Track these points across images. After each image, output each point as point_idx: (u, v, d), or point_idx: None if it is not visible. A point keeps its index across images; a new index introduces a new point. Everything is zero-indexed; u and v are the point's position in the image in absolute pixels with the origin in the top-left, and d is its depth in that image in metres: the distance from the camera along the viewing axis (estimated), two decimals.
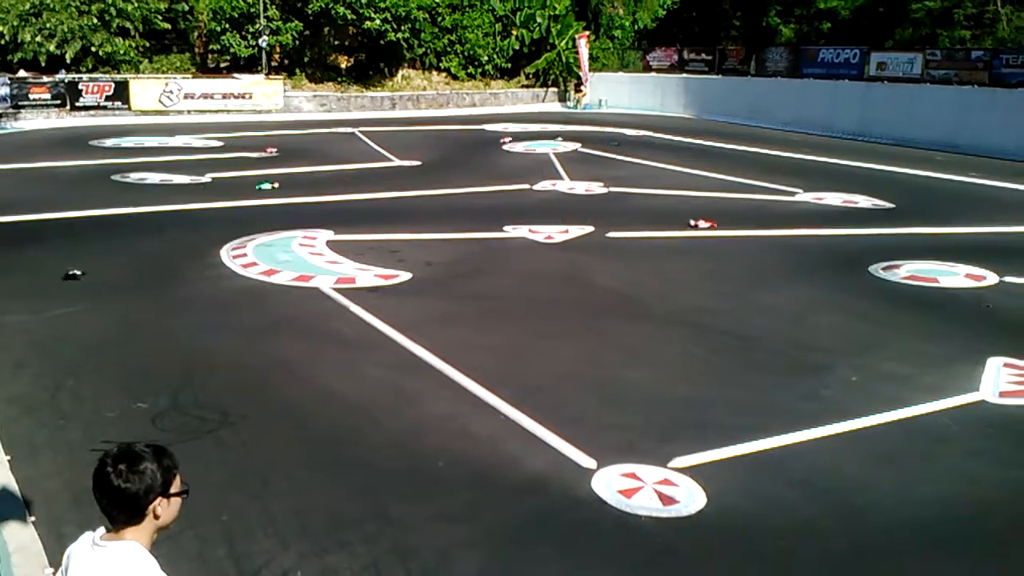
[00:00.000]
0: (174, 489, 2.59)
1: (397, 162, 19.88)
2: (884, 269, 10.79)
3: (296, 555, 4.78)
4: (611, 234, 12.71)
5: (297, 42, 31.20)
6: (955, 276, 10.57)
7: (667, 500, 5.41)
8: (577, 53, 34.80)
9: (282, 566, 4.68)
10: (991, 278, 10.46)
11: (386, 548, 4.87)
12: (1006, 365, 7.63)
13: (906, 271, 10.74)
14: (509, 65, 36.06)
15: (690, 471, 5.76)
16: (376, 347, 8.07)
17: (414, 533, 5.03)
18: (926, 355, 8.00)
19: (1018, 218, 14.16)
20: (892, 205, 15.24)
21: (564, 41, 35.21)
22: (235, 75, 30.16)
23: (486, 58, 35.36)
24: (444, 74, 35.40)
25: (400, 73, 34.60)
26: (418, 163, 19.70)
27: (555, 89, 36.31)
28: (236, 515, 5.15)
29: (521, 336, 8.52)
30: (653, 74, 34.58)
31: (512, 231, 12.75)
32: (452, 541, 4.97)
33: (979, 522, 5.30)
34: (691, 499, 5.44)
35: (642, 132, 26.20)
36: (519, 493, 5.52)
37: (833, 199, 15.70)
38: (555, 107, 35.46)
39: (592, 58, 35.24)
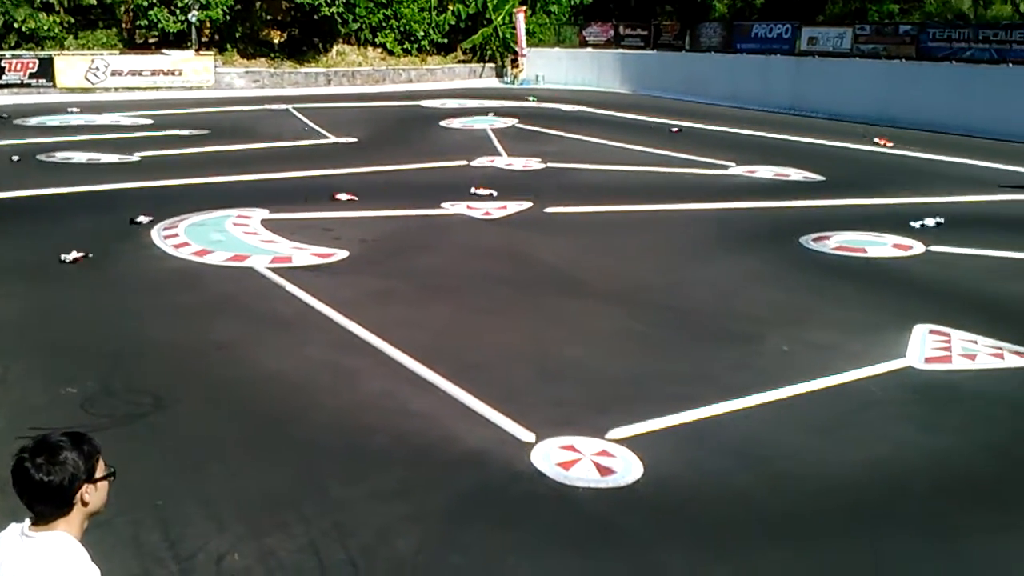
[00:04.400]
0: (99, 473, 2.54)
1: (333, 139, 19.62)
2: (814, 240, 11.01)
3: (233, 537, 4.74)
4: (549, 209, 12.74)
5: (228, 17, 30.51)
6: (883, 246, 10.84)
7: (605, 471, 5.48)
8: (514, 28, 34.67)
9: (218, 549, 4.64)
10: (917, 247, 10.75)
11: (324, 528, 4.85)
12: (932, 332, 7.86)
13: (835, 242, 10.97)
14: (446, 40, 35.78)
15: (627, 442, 5.83)
16: (313, 326, 7.99)
17: (353, 512, 5.02)
18: (855, 323, 8.20)
19: (943, 189, 14.53)
20: (823, 177, 15.53)
21: (501, 16, 35.03)
22: (164, 51, 29.40)
23: (422, 33, 35.03)
24: (380, 50, 34.99)
25: (335, 49, 34.10)
26: (354, 140, 19.47)
27: (492, 65, 36.13)
28: (171, 499, 5.08)
29: (459, 313, 8.52)
30: (590, 49, 34.61)
31: (450, 207, 12.70)
32: (391, 519, 4.96)
33: (905, 487, 5.45)
34: (628, 469, 5.51)
35: (579, 107, 26.25)
36: (458, 468, 5.54)
37: (765, 172, 15.95)
38: (492, 83, 35.30)
39: (529, 33, 35.12)
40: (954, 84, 22.65)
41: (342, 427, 6.07)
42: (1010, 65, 21.88)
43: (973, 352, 7.41)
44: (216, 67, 30.05)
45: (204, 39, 30.96)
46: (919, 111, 22.66)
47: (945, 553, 4.76)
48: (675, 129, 21.33)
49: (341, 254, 10.17)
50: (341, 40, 34.17)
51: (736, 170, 16.20)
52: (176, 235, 10.83)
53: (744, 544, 4.81)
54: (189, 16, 29.24)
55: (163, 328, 7.83)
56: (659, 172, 15.96)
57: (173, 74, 28.97)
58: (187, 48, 29.73)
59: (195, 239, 10.64)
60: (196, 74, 29.40)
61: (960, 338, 7.70)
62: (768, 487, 5.43)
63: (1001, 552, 4.78)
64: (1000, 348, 7.48)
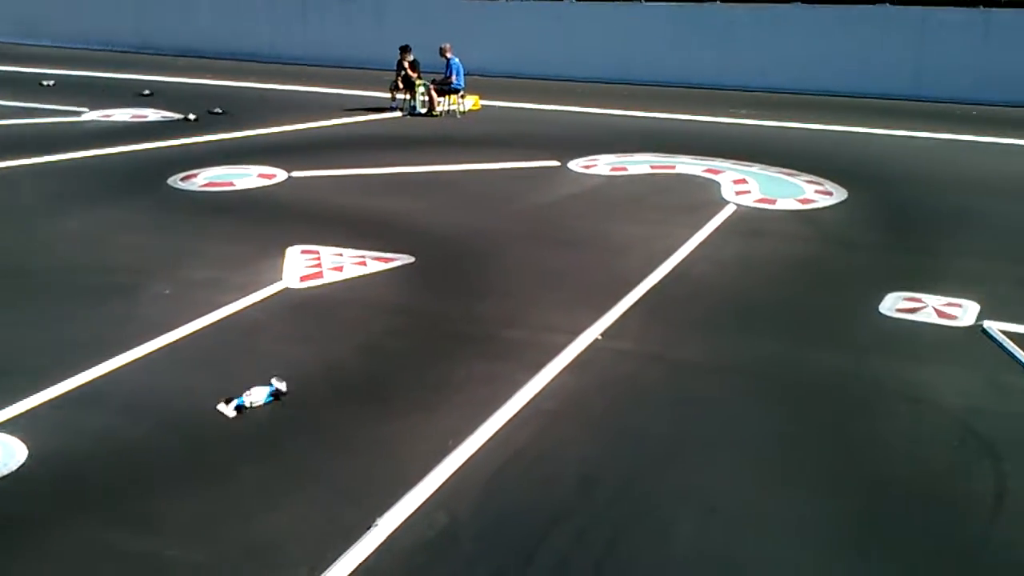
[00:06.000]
0: None
1: None
2: (183, 180, 10.91)
3: None
4: None
5: None
6: (249, 177, 11.17)
7: None
8: None
9: None
10: (281, 175, 11.27)
11: None
12: (303, 252, 8.37)
13: (204, 179, 11.01)
14: None
15: (4, 427, 5.26)
16: None
17: None
18: (234, 256, 8.37)
19: (302, 117, 15.33)
20: (180, 116, 15.36)
21: None
22: None
23: None
24: None
25: None
26: None
27: None
28: None
29: None
30: None
31: None
32: None
33: (302, 400, 5.72)
34: (10, 456, 4.98)
35: None
36: None
37: (122, 115, 15.26)
38: None
39: None
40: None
41: None
42: None
43: (340, 264, 8.08)
44: None
45: None
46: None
47: (341, 450, 5.19)
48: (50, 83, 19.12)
49: None
50: None
51: (91, 115, 15.23)
52: None
53: (140, 500, 4.67)
54: None
55: None
56: (5, 124, 14.28)
57: None
58: None
59: None
60: None
61: (329, 253, 8.33)
62: (163, 436, 5.31)
63: (385, 437, 5.35)
64: (363, 256, 8.28)
